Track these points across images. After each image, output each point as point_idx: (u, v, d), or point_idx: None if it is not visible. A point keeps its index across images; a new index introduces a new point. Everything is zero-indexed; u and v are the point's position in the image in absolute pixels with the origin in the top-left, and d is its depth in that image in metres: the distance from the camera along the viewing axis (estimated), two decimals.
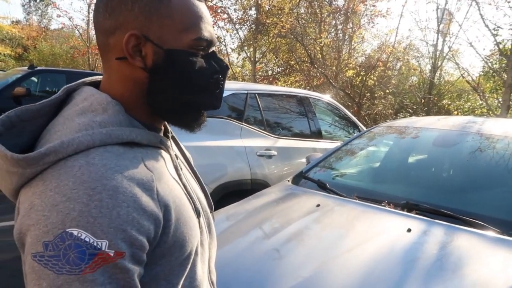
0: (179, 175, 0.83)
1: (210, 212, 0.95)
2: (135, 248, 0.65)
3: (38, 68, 8.33)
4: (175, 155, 0.87)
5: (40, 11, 41.40)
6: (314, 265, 1.75)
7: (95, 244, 0.61)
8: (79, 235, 0.61)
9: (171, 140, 0.90)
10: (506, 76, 8.78)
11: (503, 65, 10.42)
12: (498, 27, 9.59)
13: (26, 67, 8.29)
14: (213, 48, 0.84)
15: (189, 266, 0.79)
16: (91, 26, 19.06)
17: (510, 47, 9.03)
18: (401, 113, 13.14)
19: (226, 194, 3.41)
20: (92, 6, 18.77)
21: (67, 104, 0.79)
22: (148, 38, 0.75)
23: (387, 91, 13.19)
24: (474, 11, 19.45)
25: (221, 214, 2.44)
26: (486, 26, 9.44)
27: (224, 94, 3.70)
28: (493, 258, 1.78)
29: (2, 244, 3.91)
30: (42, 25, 34.88)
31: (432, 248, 1.84)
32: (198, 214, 0.83)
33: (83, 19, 19.58)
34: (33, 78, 8.03)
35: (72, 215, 0.61)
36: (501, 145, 2.69)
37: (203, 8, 0.81)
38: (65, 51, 22.94)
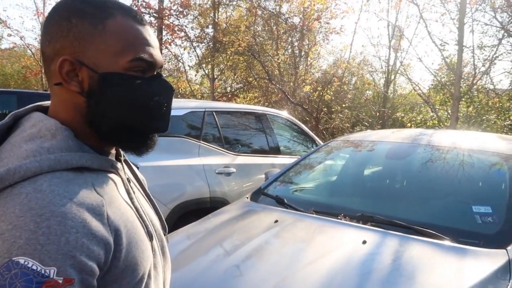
0: (131, 199, 0.82)
1: (164, 235, 0.94)
2: (85, 274, 0.65)
3: None
4: (127, 178, 0.87)
5: None
6: (275, 280, 1.75)
7: (42, 272, 0.60)
8: (26, 263, 0.60)
9: (123, 163, 0.90)
10: (453, 89, 9.23)
11: (451, 78, 10.96)
12: (445, 42, 10.11)
13: None
14: (157, 70, 0.84)
15: None
16: None
17: (456, 61, 9.52)
18: (358, 127, 13.50)
19: (185, 213, 3.37)
20: None
21: (14, 130, 0.78)
22: (82, 62, 0.76)
23: (344, 105, 13.54)
24: (422, 27, 20.45)
25: (180, 233, 2.41)
26: (433, 42, 9.92)
27: (181, 113, 3.69)
28: (446, 265, 1.85)
29: None
30: None
31: (387, 259, 1.89)
32: (150, 237, 0.82)
33: (35, 38, 19.00)
34: None
35: (18, 243, 0.61)
36: (450, 156, 2.82)
37: (143, 31, 0.81)
38: (16, 71, 22.12)
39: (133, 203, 0.82)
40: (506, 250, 1.90)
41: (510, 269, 1.80)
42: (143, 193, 0.94)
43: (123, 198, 0.80)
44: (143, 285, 0.78)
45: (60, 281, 0.61)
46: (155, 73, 0.83)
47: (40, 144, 0.72)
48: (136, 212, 0.81)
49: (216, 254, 2.10)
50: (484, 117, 10.74)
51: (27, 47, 18.60)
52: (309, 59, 13.93)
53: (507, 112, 10.96)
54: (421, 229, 2.08)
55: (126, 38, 0.78)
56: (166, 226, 0.97)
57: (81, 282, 0.64)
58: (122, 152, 0.91)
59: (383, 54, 20.87)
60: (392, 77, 14.57)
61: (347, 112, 13.60)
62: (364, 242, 1.99)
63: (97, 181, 0.75)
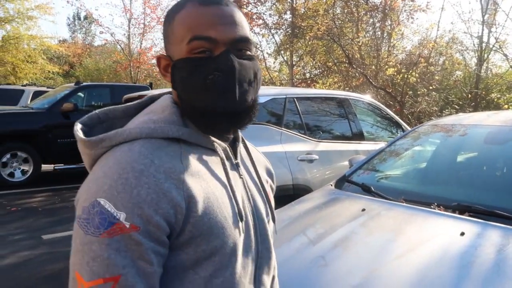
0: (228, 178, 0.85)
1: (271, 223, 0.99)
2: (151, 226, 0.72)
3: (84, 83, 8.68)
4: (236, 162, 0.92)
5: (84, 29, 43.22)
6: (363, 272, 1.69)
7: (114, 214, 0.71)
8: (104, 204, 0.71)
9: (238, 146, 0.94)
10: None
11: None
12: None
13: (73, 84, 8.65)
14: (229, 46, 0.82)
15: (219, 264, 0.81)
16: (132, 40, 19.67)
17: None
18: (447, 110, 12.66)
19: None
20: (132, 21, 19.38)
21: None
22: (170, 57, 0.87)
23: (431, 87, 12.75)
24: None
25: None
26: None
27: (263, 100, 3.69)
28: None
29: (57, 254, 4.06)
30: (86, 42, 36.42)
31: (488, 252, 1.74)
32: (240, 218, 0.84)
33: (124, 34, 20.21)
34: (80, 94, 8.36)
35: (103, 188, 0.73)
36: None
37: (207, 11, 0.82)
38: (108, 66, 23.80)
39: (229, 182, 0.85)
40: None
41: None
42: (256, 179, 0.97)
43: (215, 174, 0.84)
44: (221, 259, 0.81)
45: (127, 226, 0.70)
46: (224, 49, 0.82)
47: (151, 116, 0.84)
48: (229, 190, 0.85)
49: (301, 243, 2.07)
50: None
51: (117, 43, 19.84)
52: (392, 40, 13.29)
53: None
54: None
55: (187, 22, 0.82)
56: (275, 216, 1.00)
57: (147, 232, 0.71)
58: (240, 137, 0.96)
59: (475, 30, 19.29)
60: (486, 55, 13.42)
61: (435, 95, 12.80)
62: (462, 233, 1.84)
63: (188, 153, 0.82)
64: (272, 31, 12.92)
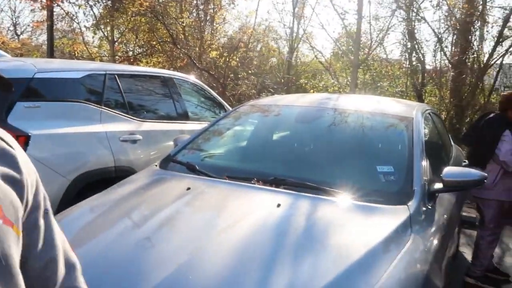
0: None
1: None
2: None
3: None
4: None
5: None
6: (189, 250, 1.68)
7: None
8: None
9: None
10: (352, 57, 9.70)
11: (350, 47, 11.50)
12: (345, 11, 10.52)
13: None
14: None
15: None
16: None
17: (355, 30, 9.97)
18: (264, 93, 13.68)
19: (88, 185, 3.13)
20: None
21: None
22: None
23: (250, 72, 13.58)
24: None
25: (82, 206, 2.21)
26: (335, 10, 10.26)
27: (79, 75, 3.36)
28: (354, 223, 1.92)
29: None
30: None
31: (300, 220, 1.92)
32: None
33: None
34: None
35: None
36: (354, 119, 2.93)
37: None
38: None
39: None
40: (407, 205, 2.04)
41: (411, 224, 1.93)
42: None
43: None
44: None
45: None
46: None
47: None
48: None
49: (124, 226, 1.95)
50: (379, 84, 11.51)
51: None
52: (214, 23, 13.65)
53: (398, 80, 11.86)
54: (330, 190, 2.14)
55: None
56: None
57: None
58: None
59: (287, 21, 21.19)
60: (296, 44, 14.90)
61: (253, 79, 13.69)
62: (279, 205, 2.00)
63: None
64: (90, 2, 11.91)
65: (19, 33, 17.26)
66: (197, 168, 2.51)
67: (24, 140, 2.77)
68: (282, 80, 14.17)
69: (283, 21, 18.45)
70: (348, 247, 1.72)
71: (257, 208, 2.01)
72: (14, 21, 17.68)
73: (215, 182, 2.34)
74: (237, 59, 12.83)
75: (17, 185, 0.68)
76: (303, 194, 2.13)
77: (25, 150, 2.89)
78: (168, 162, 2.72)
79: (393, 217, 1.95)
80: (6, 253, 0.61)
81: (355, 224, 1.92)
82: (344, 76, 12.37)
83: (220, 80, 11.99)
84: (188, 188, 2.24)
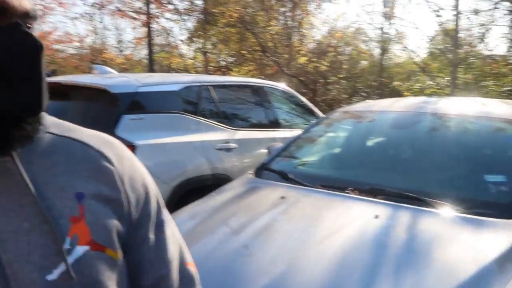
0: None
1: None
2: None
3: None
4: None
5: None
6: (286, 260, 1.69)
7: None
8: None
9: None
10: (451, 55, 9.09)
11: (447, 45, 10.79)
12: (440, 8, 9.91)
13: None
14: (17, 20, 0.56)
15: None
16: None
17: (452, 27, 9.35)
18: (355, 97, 13.37)
19: (187, 192, 3.29)
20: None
21: None
22: None
23: (340, 76, 13.35)
24: None
25: (184, 213, 2.33)
26: (429, 7, 9.72)
27: (177, 88, 3.55)
28: (462, 238, 1.78)
29: None
30: None
31: (400, 233, 1.83)
32: None
33: None
34: None
35: None
36: (457, 123, 2.74)
37: None
38: None
39: None
40: None
41: None
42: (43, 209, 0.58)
43: None
44: None
45: None
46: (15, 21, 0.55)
47: None
48: None
49: (223, 234, 2.02)
50: (482, 84, 10.63)
51: None
52: (302, 29, 13.66)
53: (504, 78, 10.84)
54: (433, 201, 2.01)
55: None
56: (61, 251, 0.58)
57: None
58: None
59: (377, 22, 20.52)
60: (387, 45, 14.35)
61: (344, 83, 13.44)
62: (376, 216, 1.92)
63: None
64: (184, 17, 12.62)
65: (123, 50, 18.81)
66: (291, 176, 2.51)
67: (130, 150, 2.99)
68: (375, 83, 13.73)
69: (373, 22, 17.92)
70: (455, 264, 1.60)
71: (354, 219, 1.95)
72: (119, 39, 19.31)
73: (309, 191, 2.33)
74: (327, 64, 12.70)
75: (113, 204, 0.65)
76: (403, 205, 2.02)
77: None
78: (262, 170, 2.76)
79: (507, 232, 1.78)
80: (92, 280, 0.59)
81: (462, 239, 1.78)
82: (442, 76, 11.62)
83: (310, 85, 11.96)
84: (283, 197, 2.25)
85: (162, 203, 0.78)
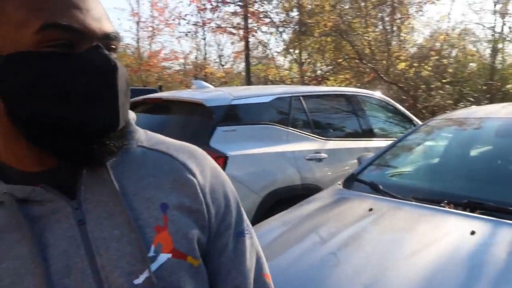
0: (32, 241, 0.58)
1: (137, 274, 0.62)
2: None
3: None
4: (74, 204, 0.62)
5: None
6: (374, 271, 1.65)
7: None
8: None
9: (81, 180, 0.63)
10: None
11: None
12: None
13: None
14: (98, 42, 0.60)
15: None
16: (141, 43, 19.80)
17: None
18: (462, 103, 12.44)
19: (277, 201, 3.34)
20: (141, 24, 19.47)
21: None
22: None
23: (444, 80, 12.53)
24: None
25: (273, 221, 2.39)
26: None
27: (267, 99, 3.64)
28: None
29: None
30: None
31: (499, 252, 1.67)
32: None
33: (133, 38, 20.39)
34: None
35: None
36: None
37: None
38: None
39: (32, 247, 0.58)
40: None
41: None
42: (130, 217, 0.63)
43: (9, 243, 0.58)
44: None
45: None
46: (95, 44, 0.59)
47: None
48: (31, 261, 0.57)
49: (310, 243, 2.02)
50: None
51: (126, 47, 19.98)
52: (402, 34, 13.11)
53: None
54: None
55: (30, 0, 0.56)
56: (146, 258, 0.62)
57: None
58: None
59: (487, 21, 18.94)
60: (500, 45, 13.15)
61: (448, 88, 12.58)
62: (473, 232, 1.78)
63: None
64: (280, 29, 12.86)
65: (223, 64, 19.73)
66: (381, 188, 2.43)
67: (223, 160, 3.13)
68: (484, 87, 12.65)
69: (482, 21, 16.56)
70: None
71: (447, 234, 1.83)
72: (219, 54, 20.31)
73: (400, 204, 2.23)
74: (429, 68, 12.00)
75: (195, 214, 0.68)
76: (504, 221, 1.84)
77: (224, 169, 3.25)
78: (351, 181, 2.71)
79: None
80: (174, 285, 0.63)
81: None
82: None
83: (410, 92, 11.41)
84: (371, 209, 2.18)
85: (243, 213, 0.79)
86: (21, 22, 0.55)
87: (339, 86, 12.52)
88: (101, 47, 0.59)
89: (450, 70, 13.27)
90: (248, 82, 13.13)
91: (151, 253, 0.62)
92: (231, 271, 0.72)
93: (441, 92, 12.44)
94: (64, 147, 0.59)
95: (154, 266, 0.62)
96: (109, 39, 0.61)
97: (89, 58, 0.57)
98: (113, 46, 0.63)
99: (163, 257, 0.63)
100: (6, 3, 0.56)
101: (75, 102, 0.57)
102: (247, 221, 0.79)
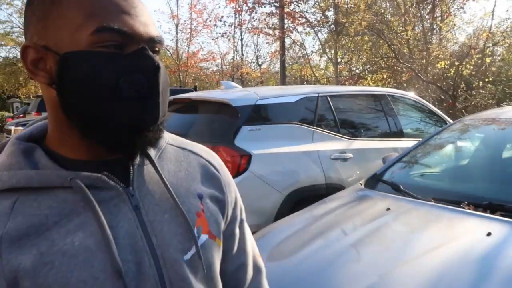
0: (99, 220, 0.64)
1: (188, 260, 0.72)
2: None
3: None
4: (129, 190, 0.70)
5: None
6: (381, 271, 1.65)
7: None
8: None
9: (144, 166, 0.74)
10: None
11: None
12: None
13: None
14: (143, 45, 0.67)
15: None
16: (179, 45, 20.21)
17: None
18: (505, 103, 11.92)
19: (301, 200, 3.36)
20: (179, 26, 19.87)
21: None
22: (47, 47, 0.65)
23: (486, 80, 12.06)
24: None
25: (287, 221, 2.41)
26: None
27: (294, 99, 3.66)
28: None
29: None
30: None
31: None
32: (119, 273, 0.64)
33: (172, 39, 20.83)
34: None
35: None
36: None
37: None
38: None
39: (101, 225, 0.64)
40: None
41: None
42: (174, 202, 0.73)
43: (73, 221, 0.64)
44: None
45: None
46: (141, 46, 0.66)
47: None
48: (102, 238, 0.64)
49: (318, 243, 2.01)
50: None
51: (166, 48, 20.45)
52: (442, 32, 12.72)
53: None
54: None
55: (87, 5, 0.64)
56: (196, 246, 0.73)
57: None
58: (137, 161, 0.74)
59: None
60: None
61: (491, 87, 12.10)
62: (489, 234, 1.74)
63: (26, 205, 0.64)
64: (316, 29, 12.79)
65: (260, 64, 19.84)
66: (402, 188, 2.41)
67: (247, 159, 3.19)
68: None
69: None
70: None
71: (461, 235, 1.80)
72: (256, 54, 20.43)
73: (418, 204, 2.20)
74: (471, 67, 11.58)
75: (221, 203, 0.82)
76: None
77: (247, 167, 3.28)
78: (374, 181, 2.70)
79: None
80: (209, 262, 0.75)
81: None
82: None
83: (449, 92, 11.06)
84: (388, 209, 2.17)
85: (242, 204, 0.93)
86: (78, 25, 0.63)
87: (376, 85, 12.30)
88: (147, 49, 0.66)
89: (494, 69, 12.76)
90: (283, 82, 13.14)
91: (195, 234, 0.73)
92: (237, 251, 0.87)
93: (482, 92, 11.98)
94: (110, 138, 0.67)
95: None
96: (154, 42, 0.69)
97: (135, 58, 0.65)
98: (157, 49, 0.70)
99: (203, 237, 0.75)
100: (66, 9, 0.64)
101: (121, 97, 0.64)
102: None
